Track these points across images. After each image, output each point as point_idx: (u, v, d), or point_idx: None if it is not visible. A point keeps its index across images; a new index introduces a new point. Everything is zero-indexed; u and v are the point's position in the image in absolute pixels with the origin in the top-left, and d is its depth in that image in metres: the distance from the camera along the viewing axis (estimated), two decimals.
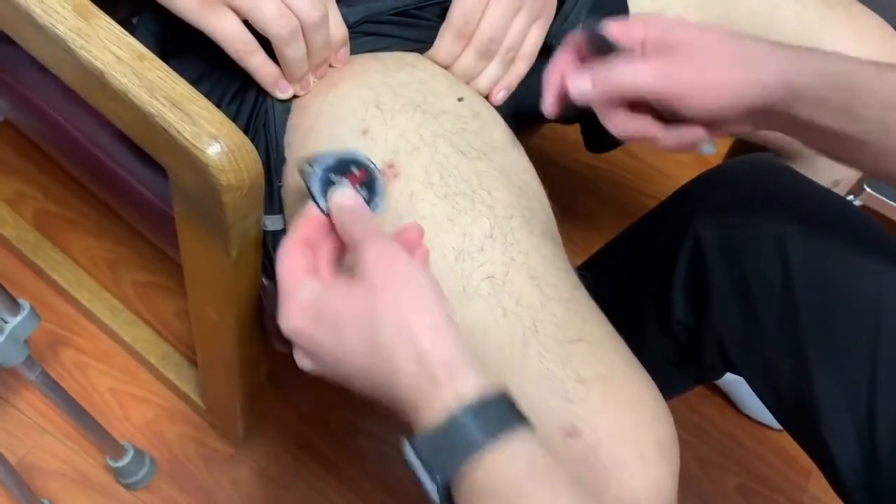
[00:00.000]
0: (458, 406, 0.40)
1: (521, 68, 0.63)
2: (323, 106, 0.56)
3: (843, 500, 0.60)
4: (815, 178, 0.65)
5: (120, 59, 0.47)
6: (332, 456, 1.02)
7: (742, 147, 0.88)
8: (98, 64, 0.47)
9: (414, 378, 0.41)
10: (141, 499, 0.96)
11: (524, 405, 0.42)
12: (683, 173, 1.33)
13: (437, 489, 0.40)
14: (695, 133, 0.52)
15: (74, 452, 0.97)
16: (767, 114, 0.50)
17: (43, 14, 0.48)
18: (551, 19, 0.65)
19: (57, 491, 0.95)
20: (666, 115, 0.51)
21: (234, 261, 0.56)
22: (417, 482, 0.41)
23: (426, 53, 0.61)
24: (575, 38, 0.53)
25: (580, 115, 0.77)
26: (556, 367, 0.50)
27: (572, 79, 0.51)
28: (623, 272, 0.78)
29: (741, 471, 1.10)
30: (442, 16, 0.60)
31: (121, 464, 0.92)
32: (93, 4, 0.49)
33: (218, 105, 0.49)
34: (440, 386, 0.40)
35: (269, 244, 0.61)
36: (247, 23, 0.52)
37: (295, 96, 0.57)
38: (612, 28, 0.52)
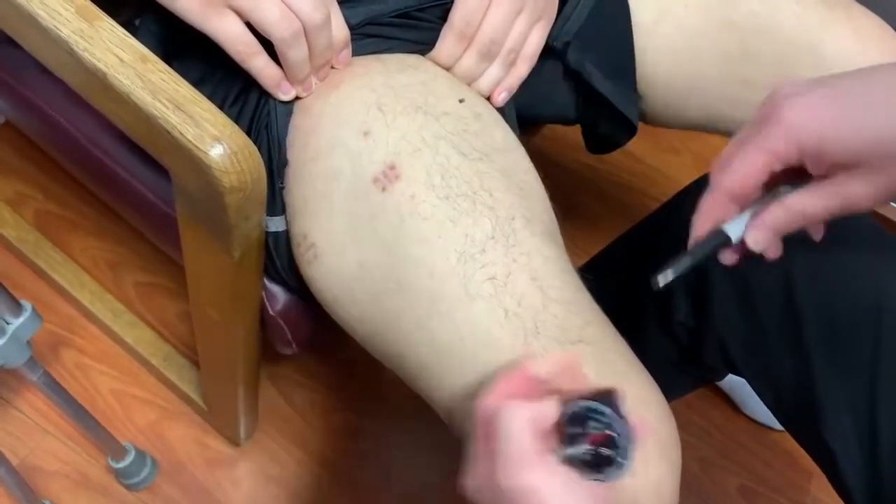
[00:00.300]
0: None
1: (522, 70, 0.63)
2: (325, 107, 0.57)
3: (844, 501, 0.60)
4: None
5: (123, 61, 0.48)
6: (333, 456, 1.02)
7: None
8: (101, 66, 0.47)
9: None
10: (142, 499, 0.96)
11: None
12: (685, 174, 1.33)
13: None
14: None
15: (76, 453, 0.97)
16: None
17: (46, 16, 0.48)
18: (552, 21, 0.65)
19: (58, 492, 0.95)
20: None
21: (236, 262, 0.56)
22: None
23: (428, 55, 0.61)
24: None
25: (581, 117, 0.77)
26: None
27: (750, 235, 0.49)
28: (624, 273, 0.78)
29: (742, 472, 1.10)
30: (443, 18, 0.60)
31: (122, 465, 0.92)
32: (95, 7, 0.49)
33: (220, 107, 0.49)
34: None
35: (270, 245, 0.61)
36: (249, 25, 0.52)
37: (297, 98, 0.57)
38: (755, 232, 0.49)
